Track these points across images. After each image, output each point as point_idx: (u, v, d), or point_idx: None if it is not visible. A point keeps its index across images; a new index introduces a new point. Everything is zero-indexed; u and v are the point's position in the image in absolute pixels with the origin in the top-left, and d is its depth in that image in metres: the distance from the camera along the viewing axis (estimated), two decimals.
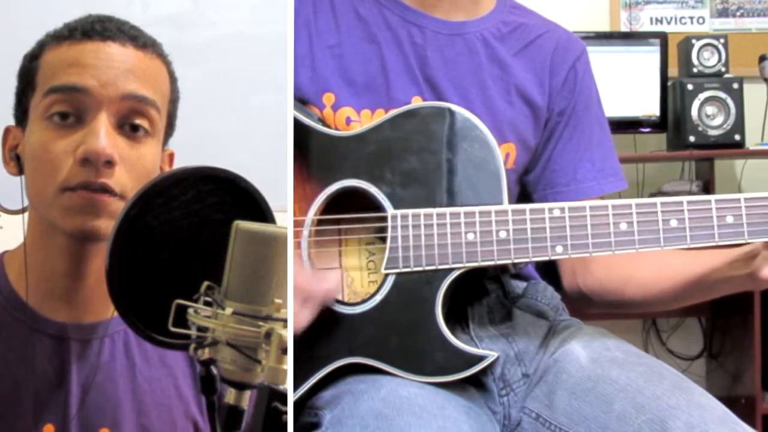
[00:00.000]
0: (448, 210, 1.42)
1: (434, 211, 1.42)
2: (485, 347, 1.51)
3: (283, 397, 0.98)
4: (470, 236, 1.41)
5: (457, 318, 1.54)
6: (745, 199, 1.38)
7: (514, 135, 1.66)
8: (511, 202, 1.45)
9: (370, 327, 1.44)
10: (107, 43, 1.43)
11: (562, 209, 1.41)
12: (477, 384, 1.49)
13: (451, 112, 1.46)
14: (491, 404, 1.50)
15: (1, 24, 2.22)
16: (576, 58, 1.74)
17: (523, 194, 1.74)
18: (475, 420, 1.38)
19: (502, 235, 1.41)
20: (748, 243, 1.40)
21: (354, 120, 1.59)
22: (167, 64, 1.52)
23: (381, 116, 1.53)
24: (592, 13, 4.23)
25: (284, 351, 0.98)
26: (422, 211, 1.43)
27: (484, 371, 1.44)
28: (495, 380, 1.51)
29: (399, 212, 1.44)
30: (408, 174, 1.46)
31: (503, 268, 1.58)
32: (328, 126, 1.57)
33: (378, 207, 1.46)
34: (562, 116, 1.71)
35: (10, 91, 1.50)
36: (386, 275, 1.44)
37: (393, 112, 1.50)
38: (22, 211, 1.48)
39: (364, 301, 1.45)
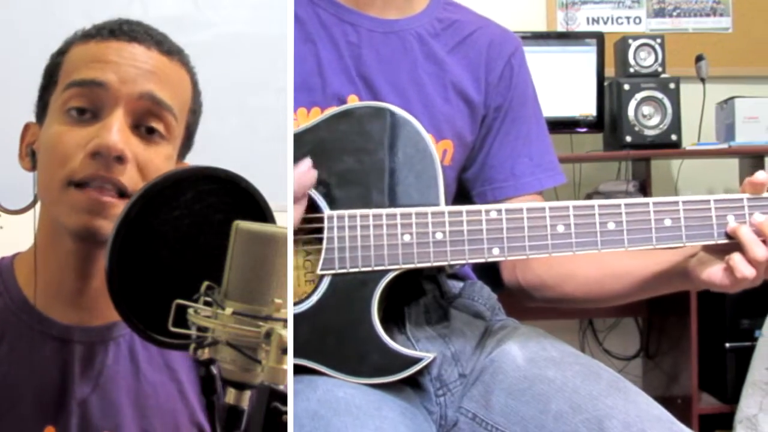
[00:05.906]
0: (384, 211, 1.42)
1: (370, 212, 1.42)
2: (422, 348, 1.51)
3: (283, 397, 0.99)
4: (407, 237, 1.41)
5: (393, 318, 1.54)
6: (684, 202, 1.39)
7: (451, 132, 1.66)
8: (449, 199, 1.45)
9: (306, 327, 1.42)
10: (132, 44, 1.44)
11: (499, 211, 1.41)
12: (413, 384, 1.49)
13: (387, 112, 1.46)
14: (428, 404, 1.50)
15: (1, 25, 2.21)
16: (511, 54, 1.74)
17: (462, 192, 1.75)
18: (412, 420, 1.38)
19: (439, 236, 1.41)
20: (686, 246, 1.41)
21: None
22: (191, 74, 1.53)
23: (317, 114, 1.52)
24: (529, 12, 4.25)
25: (284, 351, 0.99)
26: (358, 212, 1.42)
27: (420, 371, 1.44)
28: (431, 380, 1.51)
29: (335, 213, 1.43)
30: (344, 174, 1.45)
31: (439, 268, 1.58)
32: None
33: (315, 207, 1.45)
34: (498, 112, 1.72)
35: (20, 90, 1.50)
36: (322, 276, 1.43)
37: (328, 112, 1.49)
38: (23, 210, 1.48)
39: (300, 302, 1.44)
